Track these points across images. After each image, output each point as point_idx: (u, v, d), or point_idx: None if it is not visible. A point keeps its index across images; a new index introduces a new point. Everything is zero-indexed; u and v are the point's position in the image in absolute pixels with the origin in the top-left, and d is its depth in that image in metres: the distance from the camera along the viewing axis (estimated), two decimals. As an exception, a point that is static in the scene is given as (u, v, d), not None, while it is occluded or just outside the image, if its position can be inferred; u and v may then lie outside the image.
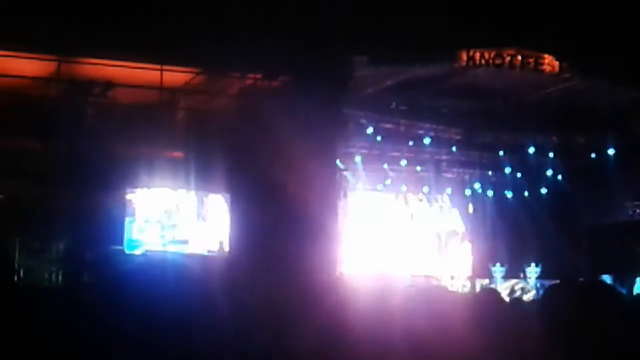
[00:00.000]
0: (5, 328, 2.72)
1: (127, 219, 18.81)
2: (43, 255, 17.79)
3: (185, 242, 19.06)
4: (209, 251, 18.94)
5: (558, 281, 3.08)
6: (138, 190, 19.01)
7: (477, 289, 22.14)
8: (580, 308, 2.74)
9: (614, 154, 22.86)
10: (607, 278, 20.04)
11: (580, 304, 2.78)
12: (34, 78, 18.87)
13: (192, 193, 19.36)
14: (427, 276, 22.67)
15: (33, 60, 18.56)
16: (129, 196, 18.91)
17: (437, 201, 25.00)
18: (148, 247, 18.38)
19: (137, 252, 18.12)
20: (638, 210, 23.48)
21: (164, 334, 2.29)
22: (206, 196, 19.54)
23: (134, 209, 18.99)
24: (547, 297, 2.94)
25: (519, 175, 24.81)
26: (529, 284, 23.86)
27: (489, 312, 3.32)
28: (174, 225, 19.26)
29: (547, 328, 2.78)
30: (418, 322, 2.84)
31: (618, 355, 2.72)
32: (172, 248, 18.60)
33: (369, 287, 3.15)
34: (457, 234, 25.07)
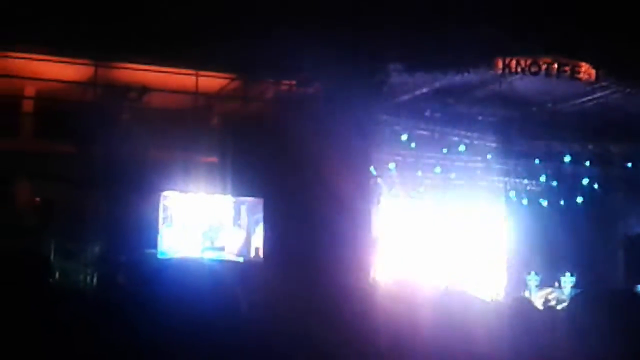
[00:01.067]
0: (40, 328, 2.73)
1: (164, 225, 18.88)
2: (77, 258, 17.90)
3: (221, 248, 19.09)
4: (244, 258, 18.95)
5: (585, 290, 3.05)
6: (174, 195, 19.07)
7: (511, 298, 21.98)
8: (606, 315, 2.71)
9: (651, 163, 22.69)
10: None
11: (607, 311, 2.74)
12: (70, 83, 19.02)
13: (229, 199, 19.38)
14: (460, 284, 22.55)
15: (70, 65, 18.73)
16: (166, 202, 18.98)
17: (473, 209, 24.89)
18: (184, 253, 18.42)
19: (171, 257, 18.17)
20: (675, 220, 23.26)
21: (195, 339, 2.28)
22: (243, 203, 19.56)
23: (171, 215, 19.05)
24: (572, 304, 2.91)
25: (554, 183, 24.66)
26: (563, 293, 23.67)
27: (521, 321, 3.29)
28: (211, 232, 19.29)
29: (574, 335, 2.75)
30: (448, 331, 2.81)
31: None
32: (208, 254, 18.61)
33: (400, 295, 3.13)
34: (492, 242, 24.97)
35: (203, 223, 19.28)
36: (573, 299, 3.00)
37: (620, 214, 24.34)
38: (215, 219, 19.38)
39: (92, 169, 17.55)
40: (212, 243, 19.13)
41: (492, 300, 20.71)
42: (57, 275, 16.85)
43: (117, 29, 17.44)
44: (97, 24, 17.32)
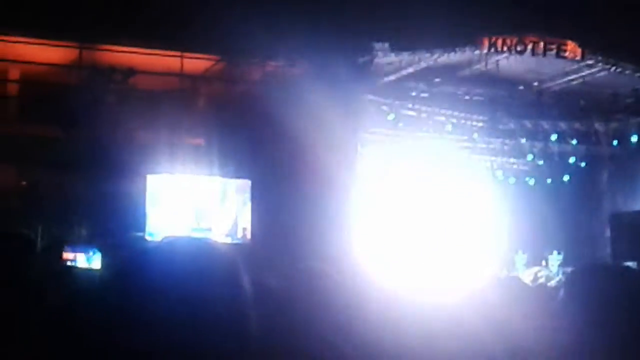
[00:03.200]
0: (25, 312, 2.71)
1: (152, 207, 18.85)
2: (64, 241, 17.85)
3: (209, 229, 19.10)
4: (232, 239, 18.95)
5: (585, 264, 3.05)
6: (161, 177, 19.03)
7: (499, 277, 22.02)
8: (608, 289, 2.71)
9: (637, 141, 22.72)
10: (630, 265, 19.93)
11: (609, 285, 2.74)
12: (55, 65, 18.93)
13: (216, 180, 19.36)
14: (448, 263, 22.60)
15: (55, 48, 18.64)
16: (153, 184, 18.95)
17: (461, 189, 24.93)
18: (171, 235, 18.37)
19: (158, 238, 18.14)
20: (661, 198, 23.33)
21: (184, 320, 2.26)
22: (230, 184, 19.55)
23: (158, 197, 19.03)
24: (574, 278, 2.91)
25: (541, 162, 24.70)
26: (551, 271, 23.75)
27: (513, 298, 3.29)
28: (199, 213, 19.29)
29: (574, 309, 2.75)
30: (439, 312, 2.81)
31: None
32: (195, 236, 18.56)
33: (387, 276, 3.12)
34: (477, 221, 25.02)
35: (190, 204, 19.27)
36: (571, 273, 2.99)
37: (606, 191, 24.42)
38: (203, 201, 19.37)
39: (78, 151, 17.48)
40: (199, 224, 19.13)
41: (481, 279, 20.73)
42: (42, 260, 16.79)
43: (101, 11, 17.35)
44: (82, 6, 17.23)
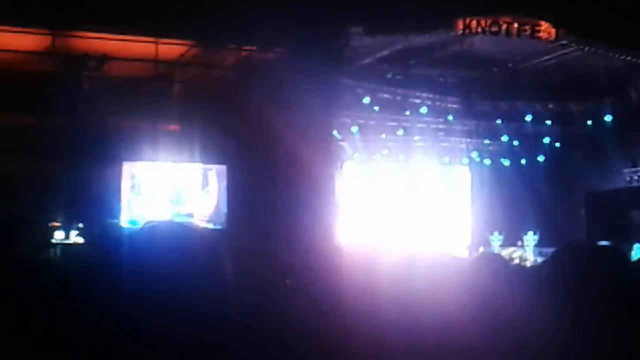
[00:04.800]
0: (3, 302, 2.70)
1: (132, 193, 18.83)
2: (40, 230, 17.76)
3: (190, 215, 19.12)
4: (214, 224, 18.95)
5: (568, 244, 3.07)
6: (137, 164, 19.00)
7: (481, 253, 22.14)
8: (590, 268, 2.74)
9: (611, 121, 22.84)
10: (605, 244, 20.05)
11: (593, 264, 2.77)
12: (27, 52, 18.77)
13: (196, 167, 19.36)
14: (426, 245, 22.68)
15: (26, 35, 18.47)
16: (133, 170, 18.92)
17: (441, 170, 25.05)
18: (153, 220, 18.32)
19: (137, 225, 18.12)
20: (635, 177, 23.48)
21: (166, 303, 2.26)
22: (210, 169, 19.54)
23: (138, 184, 19.00)
24: (558, 257, 2.93)
25: (516, 143, 24.80)
26: (527, 252, 23.89)
27: (494, 275, 3.32)
28: (179, 200, 19.29)
29: (557, 289, 2.77)
30: (418, 287, 2.82)
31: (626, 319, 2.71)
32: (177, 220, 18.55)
33: (366, 256, 3.13)
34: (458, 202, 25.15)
35: (169, 191, 19.26)
36: (555, 253, 3.02)
37: (581, 172, 24.55)
38: (182, 186, 19.36)
39: (54, 139, 17.38)
40: (180, 210, 19.13)
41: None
42: (17, 248, 16.74)
43: (73, -3, 17.24)
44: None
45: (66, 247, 17.03)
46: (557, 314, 2.74)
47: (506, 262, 4.12)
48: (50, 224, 17.46)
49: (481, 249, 23.21)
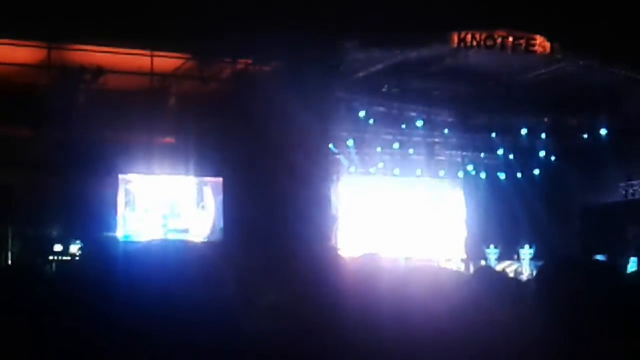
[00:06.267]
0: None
1: (127, 209, 18.78)
2: (36, 242, 17.75)
3: (185, 231, 19.02)
4: (208, 238, 18.87)
5: (555, 259, 3.09)
6: (135, 178, 18.96)
7: (476, 267, 22.16)
8: (580, 283, 2.75)
9: (606, 134, 22.88)
10: (600, 259, 20.07)
11: (580, 279, 2.78)
12: (24, 65, 18.77)
13: (191, 180, 19.31)
14: (421, 258, 22.67)
15: (23, 47, 18.47)
16: (128, 185, 18.87)
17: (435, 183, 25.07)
18: (147, 237, 18.29)
19: (134, 240, 18.06)
20: (631, 191, 23.52)
21: (157, 319, 2.26)
22: (205, 184, 19.49)
23: (133, 198, 18.94)
24: (544, 272, 2.94)
25: (511, 156, 24.84)
26: (522, 265, 23.91)
27: (487, 289, 3.33)
28: (175, 215, 19.21)
29: (545, 303, 2.78)
30: (413, 300, 2.82)
31: (615, 331, 2.72)
32: (172, 237, 18.48)
33: (364, 268, 3.13)
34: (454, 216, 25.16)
35: (164, 205, 19.19)
36: (542, 267, 3.02)
37: (576, 185, 24.57)
38: (177, 201, 19.31)
39: (50, 152, 17.38)
40: (175, 225, 19.06)
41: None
42: (14, 260, 16.75)
43: (70, 11, 17.24)
44: (49, 5, 17.11)
45: (65, 261, 17.05)
46: (546, 330, 2.75)
47: (500, 276, 4.13)
48: (47, 237, 17.49)
49: (482, 263, 23.22)
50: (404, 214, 24.47)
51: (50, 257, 16.93)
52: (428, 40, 20.06)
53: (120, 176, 18.87)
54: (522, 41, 20.38)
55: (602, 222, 23.29)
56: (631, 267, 21.24)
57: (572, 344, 2.69)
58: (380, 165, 24.22)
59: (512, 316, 2.94)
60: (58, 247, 17.34)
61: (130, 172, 18.93)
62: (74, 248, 17.40)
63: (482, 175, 25.46)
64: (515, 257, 24.21)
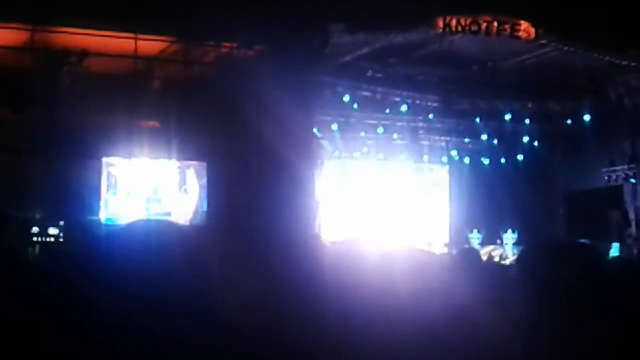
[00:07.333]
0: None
1: (109, 192, 18.76)
2: (19, 225, 17.67)
3: (168, 214, 19.03)
4: (191, 222, 18.89)
5: (536, 242, 3.08)
6: (118, 161, 18.94)
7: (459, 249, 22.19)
8: (561, 266, 2.75)
9: (590, 120, 22.93)
10: (582, 241, 20.14)
11: (561, 262, 2.78)
12: (6, 47, 18.67)
13: (173, 164, 19.30)
14: (405, 242, 22.70)
15: (5, 30, 18.36)
16: (110, 169, 18.85)
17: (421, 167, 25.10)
18: (130, 219, 18.23)
19: (118, 222, 18.05)
20: (614, 176, 23.60)
21: (138, 298, 2.26)
22: (188, 167, 19.49)
23: (115, 182, 18.93)
24: (526, 255, 2.94)
25: (495, 142, 24.88)
26: (505, 250, 23.99)
27: (471, 269, 3.33)
28: (157, 198, 19.22)
29: (526, 286, 2.79)
30: (397, 282, 2.82)
31: (597, 314, 2.72)
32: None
33: (346, 252, 3.13)
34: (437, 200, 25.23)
35: (147, 188, 19.19)
36: (523, 251, 3.03)
37: (560, 171, 24.67)
38: (160, 184, 19.30)
39: (33, 135, 17.31)
40: (158, 209, 19.07)
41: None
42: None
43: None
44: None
45: (47, 243, 17.00)
46: (527, 314, 2.76)
47: (481, 258, 4.13)
48: (28, 220, 17.41)
49: (466, 247, 23.24)
50: (387, 198, 24.51)
51: (34, 239, 16.85)
52: (413, 25, 20.02)
53: (104, 159, 18.85)
54: (507, 26, 20.37)
55: (585, 208, 23.38)
56: (613, 252, 21.36)
57: (555, 326, 2.70)
58: (365, 150, 24.24)
59: (494, 299, 2.95)
60: (41, 230, 17.28)
61: (113, 156, 18.90)
62: (57, 230, 17.36)
63: (466, 160, 25.51)
64: (499, 241, 24.29)
